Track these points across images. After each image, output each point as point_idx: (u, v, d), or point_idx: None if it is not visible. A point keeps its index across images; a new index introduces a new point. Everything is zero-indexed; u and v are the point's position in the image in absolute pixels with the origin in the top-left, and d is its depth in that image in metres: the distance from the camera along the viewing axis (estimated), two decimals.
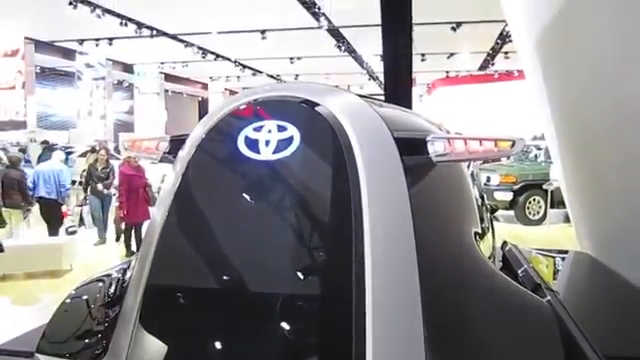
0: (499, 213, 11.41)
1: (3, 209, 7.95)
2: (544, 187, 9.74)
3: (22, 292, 6.29)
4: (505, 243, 4.38)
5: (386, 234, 1.23)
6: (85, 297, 1.63)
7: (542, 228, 9.98)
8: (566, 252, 5.16)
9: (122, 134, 19.90)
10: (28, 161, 12.51)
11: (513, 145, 1.50)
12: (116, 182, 8.77)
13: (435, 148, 1.41)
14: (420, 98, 36.06)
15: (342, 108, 1.39)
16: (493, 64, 23.40)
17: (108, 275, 1.72)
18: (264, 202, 1.36)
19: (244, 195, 1.38)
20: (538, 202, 10.43)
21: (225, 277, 1.32)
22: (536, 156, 11.69)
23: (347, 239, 1.22)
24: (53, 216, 8.31)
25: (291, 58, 23.29)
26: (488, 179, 10.94)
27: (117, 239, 8.99)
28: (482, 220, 2.41)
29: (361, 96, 1.61)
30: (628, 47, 3.04)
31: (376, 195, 1.24)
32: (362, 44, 20.41)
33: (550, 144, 5.62)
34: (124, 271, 1.67)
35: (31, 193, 8.01)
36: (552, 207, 9.89)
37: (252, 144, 1.36)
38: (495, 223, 9.87)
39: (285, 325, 1.22)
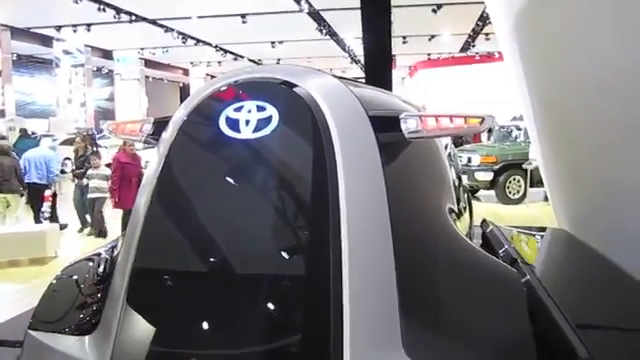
0: (480, 193, 11.59)
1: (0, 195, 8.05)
2: (524, 167, 9.88)
3: (8, 278, 6.30)
4: (485, 221, 4.50)
5: (361, 206, 1.30)
6: (75, 276, 1.68)
7: (522, 207, 10.17)
8: (544, 229, 5.32)
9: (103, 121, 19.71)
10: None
11: (482, 122, 1.57)
12: (100, 170, 8.60)
13: (408, 125, 1.48)
14: (402, 80, 36.11)
15: (319, 88, 1.45)
16: (474, 46, 23.52)
17: (97, 254, 1.77)
18: (245, 180, 1.42)
19: (226, 173, 1.44)
20: (518, 181, 10.58)
21: (208, 256, 1.38)
22: (516, 137, 11.84)
23: (324, 212, 1.29)
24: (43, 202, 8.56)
25: (272, 42, 23.16)
26: (469, 160, 11.07)
27: (98, 233, 8.33)
28: (459, 200, 2.50)
29: (338, 77, 1.67)
30: (600, 29, 3.12)
31: (351, 170, 1.31)
32: (343, 27, 20.36)
33: (528, 124, 5.72)
34: (112, 250, 1.72)
35: None
36: (532, 186, 10.05)
37: (233, 124, 1.42)
38: (476, 203, 10.03)
39: (267, 297, 1.29)
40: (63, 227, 8.68)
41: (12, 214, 8.05)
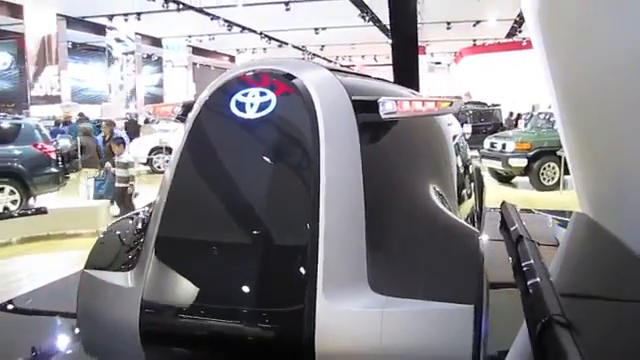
0: (516, 180, 11.65)
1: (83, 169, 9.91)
2: (558, 153, 9.86)
3: (65, 247, 6.95)
4: (504, 203, 4.76)
5: (337, 169, 1.63)
6: (119, 230, 2.09)
7: (555, 193, 10.19)
8: (565, 213, 5.53)
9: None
10: (63, 132, 13.44)
11: (451, 105, 1.86)
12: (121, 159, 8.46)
13: (385, 107, 1.79)
14: (448, 67, 35.81)
15: (311, 78, 1.79)
16: (520, 31, 23.12)
17: (137, 214, 2.18)
18: (249, 151, 1.78)
19: (234, 146, 1.80)
20: (553, 168, 10.56)
21: (217, 213, 1.75)
22: (553, 123, 11.78)
23: (308, 174, 1.63)
24: None
25: (316, 29, 23.44)
26: (504, 146, 11.11)
27: None
28: (462, 185, 2.77)
29: (333, 69, 1.98)
30: (615, 16, 3.29)
31: (331, 141, 1.65)
32: (386, 14, 20.41)
33: (554, 111, 5.85)
34: (148, 209, 2.11)
35: None
36: (566, 174, 10.01)
37: (241, 106, 1.78)
38: (511, 189, 10.09)
39: (261, 240, 1.65)
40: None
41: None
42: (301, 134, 1.70)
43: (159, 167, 14.38)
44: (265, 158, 1.74)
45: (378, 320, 1.47)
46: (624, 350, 2.27)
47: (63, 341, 2.18)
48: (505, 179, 11.79)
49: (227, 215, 1.72)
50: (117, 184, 8.42)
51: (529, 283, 2.70)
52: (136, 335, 1.60)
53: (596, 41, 3.69)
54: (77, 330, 1.90)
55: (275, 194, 1.68)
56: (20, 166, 8.92)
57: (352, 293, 1.51)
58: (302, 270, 1.52)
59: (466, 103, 20.87)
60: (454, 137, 3.04)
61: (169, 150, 13.07)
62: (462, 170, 2.90)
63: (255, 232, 1.64)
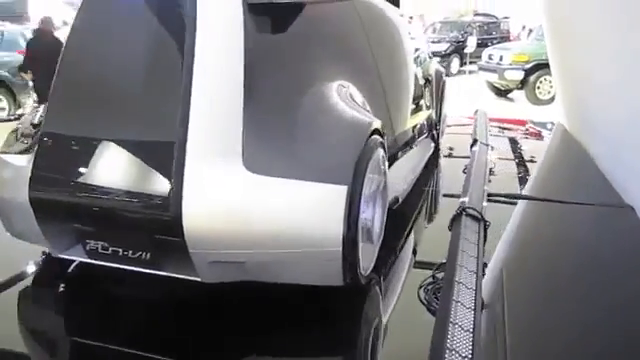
0: (513, 95, 11.43)
1: None
2: None
3: None
4: (477, 111, 4.80)
5: (215, 57, 1.62)
6: (30, 117, 2.13)
7: (549, 107, 9.98)
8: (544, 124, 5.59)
9: None
10: None
11: None
12: None
13: None
14: None
15: None
16: None
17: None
18: (135, 29, 1.77)
19: (121, 23, 1.80)
20: (550, 82, 10.27)
21: (100, 95, 1.75)
22: None
23: (181, 60, 1.62)
24: None
25: None
26: (501, 58, 10.80)
27: None
28: (420, 96, 2.81)
29: None
30: None
31: (207, 23, 1.63)
32: None
33: (542, 24, 5.71)
34: None
35: None
36: None
37: None
38: (506, 103, 9.95)
39: (139, 106, 1.66)
40: None
41: None
42: (179, 16, 1.68)
43: None
44: (144, 38, 1.74)
45: (248, 197, 1.50)
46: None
47: None
48: (502, 93, 11.54)
49: (106, 93, 1.74)
50: None
51: (468, 179, 2.75)
52: (29, 209, 1.69)
53: None
54: None
55: (149, 73, 1.70)
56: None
57: (223, 173, 1.53)
58: (172, 146, 1.54)
59: (475, 15, 20.24)
60: (416, 50, 3.05)
61: None
62: (422, 82, 2.94)
63: (129, 112, 1.66)
